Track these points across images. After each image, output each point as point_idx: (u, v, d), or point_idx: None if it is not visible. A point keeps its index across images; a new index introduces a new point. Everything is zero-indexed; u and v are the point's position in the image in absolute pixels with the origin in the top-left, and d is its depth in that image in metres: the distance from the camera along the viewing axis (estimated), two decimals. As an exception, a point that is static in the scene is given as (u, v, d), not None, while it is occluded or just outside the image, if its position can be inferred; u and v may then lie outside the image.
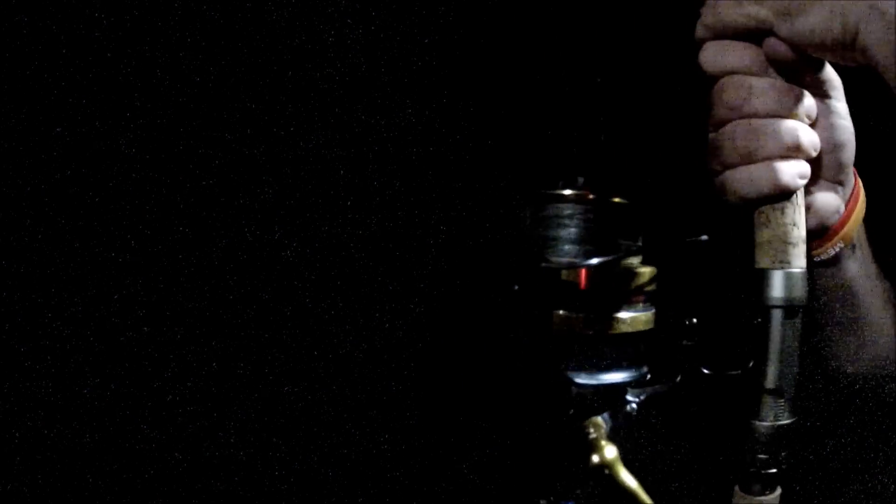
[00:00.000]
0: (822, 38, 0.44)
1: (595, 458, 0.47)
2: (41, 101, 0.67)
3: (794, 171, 0.47)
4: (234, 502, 0.73)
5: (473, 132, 0.78)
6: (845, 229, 0.53)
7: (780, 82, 0.47)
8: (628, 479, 0.47)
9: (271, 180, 0.74)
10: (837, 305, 0.57)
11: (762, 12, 0.45)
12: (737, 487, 0.49)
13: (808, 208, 0.50)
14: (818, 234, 0.53)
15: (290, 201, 0.75)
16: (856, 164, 0.53)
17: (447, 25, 0.77)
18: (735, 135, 0.47)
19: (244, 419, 0.73)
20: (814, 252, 0.54)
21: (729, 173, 0.48)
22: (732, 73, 0.48)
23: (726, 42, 0.48)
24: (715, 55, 0.48)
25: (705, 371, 0.53)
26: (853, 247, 0.55)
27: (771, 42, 0.46)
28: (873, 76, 0.43)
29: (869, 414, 0.63)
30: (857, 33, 0.42)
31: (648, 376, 0.51)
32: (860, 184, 0.55)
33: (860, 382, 0.60)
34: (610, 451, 0.47)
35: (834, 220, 0.53)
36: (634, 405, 0.51)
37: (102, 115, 0.68)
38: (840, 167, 0.52)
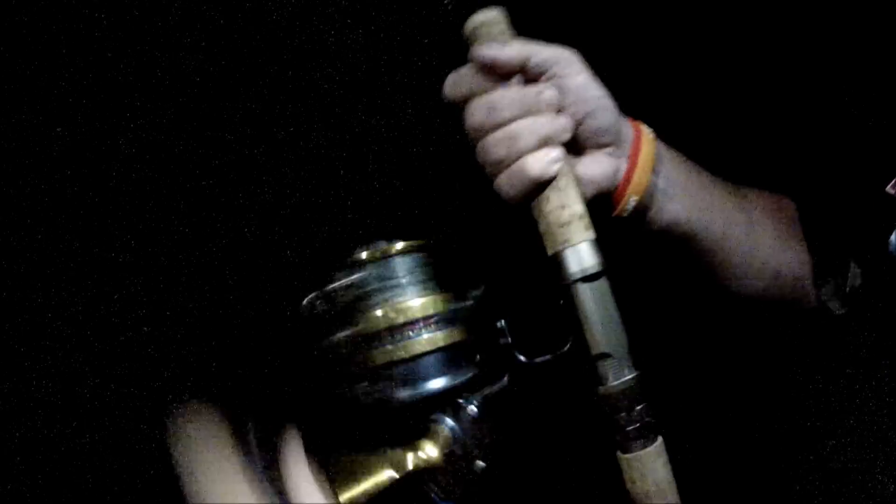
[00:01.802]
0: None
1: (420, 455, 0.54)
2: (41, 101, 0.67)
3: (543, 160, 0.49)
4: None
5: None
6: (633, 182, 0.55)
7: (514, 88, 0.50)
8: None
9: (271, 180, 0.75)
10: (676, 245, 0.58)
11: None
12: (618, 453, 0.49)
13: (582, 181, 0.52)
14: (607, 197, 0.55)
15: (290, 201, 0.75)
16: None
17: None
18: (487, 147, 0.50)
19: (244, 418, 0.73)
20: (613, 214, 0.55)
21: (496, 181, 0.51)
22: (472, 95, 0.50)
23: (461, 70, 0.51)
24: (453, 85, 0.51)
25: (522, 359, 0.56)
26: (661, 191, 0.56)
27: (483, 56, 0.50)
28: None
29: (869, 414, 0.63)
30: None
31: (475, 377, 0.56)
32: (643, 132, 0.56)
33: (744, 303, 0.63)
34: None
35: (617, 179, 0.54)
36: (474, 407, 0.55)
37: (102, 115, 0.69)
38: (599, 132, 0.53)
